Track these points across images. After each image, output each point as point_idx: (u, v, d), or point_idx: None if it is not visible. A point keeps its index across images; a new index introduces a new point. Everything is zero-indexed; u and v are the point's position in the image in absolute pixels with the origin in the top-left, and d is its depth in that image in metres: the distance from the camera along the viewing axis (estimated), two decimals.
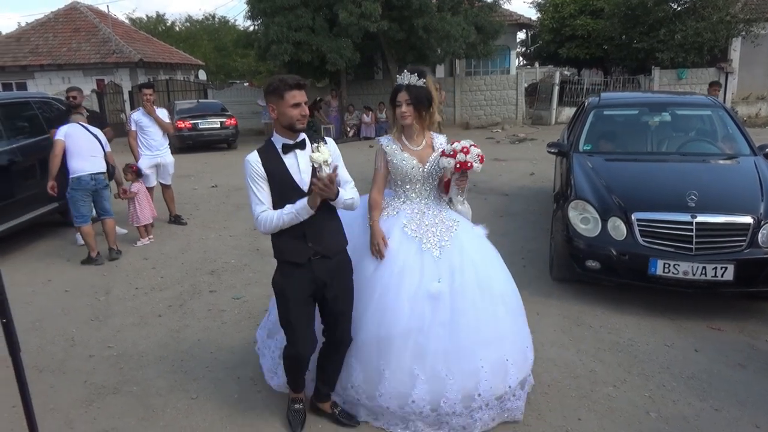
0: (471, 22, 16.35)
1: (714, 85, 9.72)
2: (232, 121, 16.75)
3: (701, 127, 6.18)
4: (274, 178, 2.74)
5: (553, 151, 6.13)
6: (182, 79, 24.57)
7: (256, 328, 3.92)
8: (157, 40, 28.75)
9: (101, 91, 21.01)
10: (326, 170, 2.66)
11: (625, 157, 5.65)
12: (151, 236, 6.94)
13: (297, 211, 2.69)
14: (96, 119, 6.95)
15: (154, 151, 7.35)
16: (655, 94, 9.85)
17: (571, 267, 4.75)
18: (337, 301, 2.90)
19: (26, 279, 5.78)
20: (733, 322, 4.28)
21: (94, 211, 6.34)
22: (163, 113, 7.47)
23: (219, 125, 16.58)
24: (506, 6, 19.12)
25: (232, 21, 44.47)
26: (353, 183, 2.93)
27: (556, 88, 19.62)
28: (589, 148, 5.80)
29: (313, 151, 2.67)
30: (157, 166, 7.44)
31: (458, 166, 3.02)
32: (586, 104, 6.76)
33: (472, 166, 3.01)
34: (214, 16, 42.03)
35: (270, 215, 2.74)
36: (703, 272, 4.14)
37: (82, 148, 6.03)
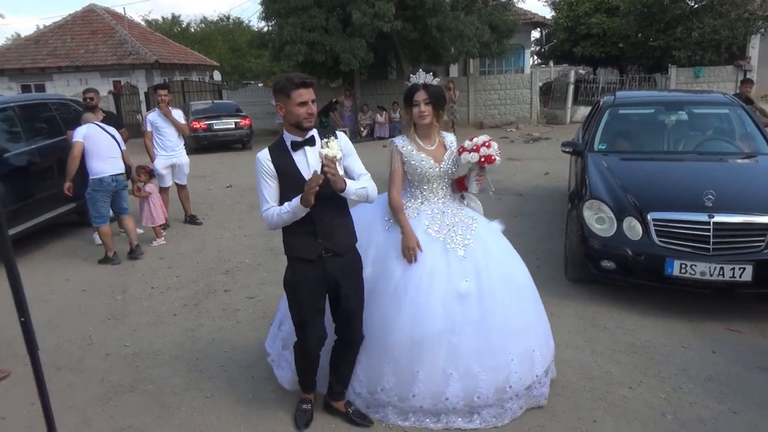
0: (485, 21, 16.30)
1: (746, 83, 9.59)
2: (247, 122, 16.84)
3: (719, 126, 6.10)
4: (283, 175, 2.76)
5: (567, 150, 6.08)
6: (197, 79, 24.78)
7: (266, 342, 3.81)
8: (172, 42, 29.02)
9: (118, 93, 21.24)
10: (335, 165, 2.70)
11: (640, 157, 5.60)
12: (162, 238, 7.00)
13: (292, 209, 2.70)
14: (112, 120, 7.02)
15: (170, 151, 7.41)
16: (671, 93, 9.73)
17: (586, 267, 4.72)
18: (350, 300, 2.91)
19: (44, 278, 5.86)
20: (751, 324, 4.22)
21: (111, 212, 6.41)
22: (178, 114, 7.53)
23: (234, 126, 16.68)
24: (520, 5, 19.09)
25: (247, 22, 44.80)
26: (368, 175, 2.93)
27: (571, 87, 19.46)
28: (604, 147, 5.75)
29: (322, 147, 2.69)
30: (173, 167, 7.50)
31: (483, 160, 3.08)
32: (601, 103, 6.70)
33: (495, 159, 3.08)
34: (228, 17, 42.42)
35: (272, 212, 2.77)
36: (721, 273, 4.09)
37: (102, 149, 6.09)
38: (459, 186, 3.29)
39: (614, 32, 21.76)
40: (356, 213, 3.25)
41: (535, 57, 30.91)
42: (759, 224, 4.16)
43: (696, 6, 18.77)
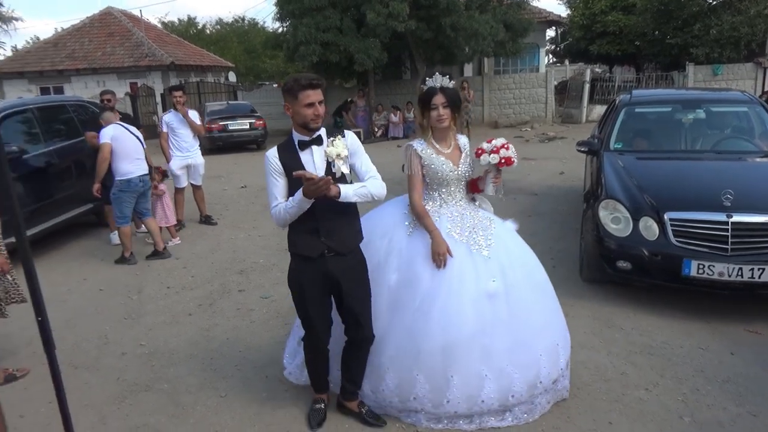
0: (499, 20, 16.21)
1: None
2: (261, 123, 16.92)
3: (737, 124, 6.01)
4: (290, 173, 2.77)
5: (583, 149, 6.02)
6: (213, 81, 24.95)
7: (283, 354, 3.71)
8: (188, 43, 29.26)
9: (134, 94, 21.45)
10: (340, 164, 2.72)
11: (657, 156, 5.53)
12: (177, 238, 7.06)
13: (297, 202, 2.71)
14: (128, 122, 7.09)
15: (185, 152, 7.47)
16: (688, 91, 9.60)
17: (601, 268, 4.67)
18: (354, 299, 2.91)
19: (62, 278, 5.93)
20: None
21: None
22: (194, 115, 7.58)
23: (248, 126, 16.77)
24: (535, 3, 18.93)
25: (261, 23, 45.05)
26: (377, 175, 2.91)
27: (587, 86, 19.29)
28: (620, 146, 5.69)
29: (327, 146, 2.71)
30: (188, 167, 7.56)
31: (503, 161, 3.11)
32: (617, 102, 6.64)
33: (514, 161, 3.13)
34: (243, 19, 42.82)
35: (280, 208, 2.80)
36: (740, 273, 4.03)
37: (129, 150, 6.14)
38: (473, 188, 3.29)
39: (631, 30, 21.53)
40: (376, 218, 3.27)
41: (550, 56, 30.70)
42: None
43: (714, 2, 18.53)
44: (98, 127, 6.66)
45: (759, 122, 5.73)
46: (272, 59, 35.98)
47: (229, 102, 19.68)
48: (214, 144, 16.10)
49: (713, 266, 4.08)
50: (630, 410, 3.19)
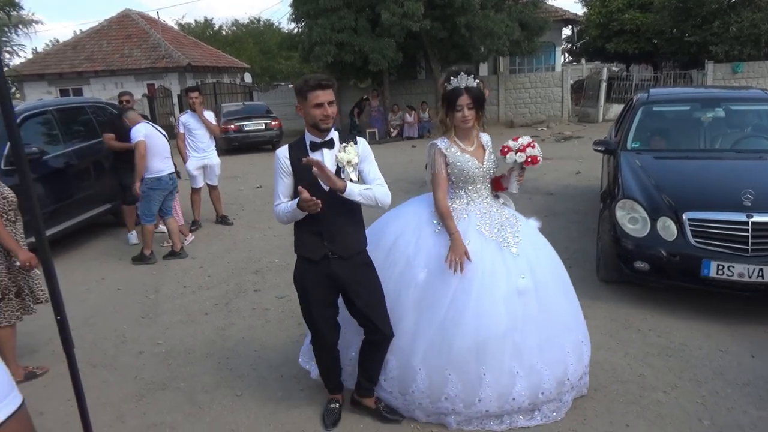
0: (515, 18, 16.13)
1: None
2: (277, 123, 17.01)
3: (758, 123, 5.91)
4: (298, 174, 2.79)
5: (599, 149, 5.97)
6: (229, 82, 25.14)
7: (299, 356, 3.67)
8: (204, 45, 29.51)
9: (152, 96, 21.68)
10: (350, 171, 2.74)
11: (675, 155, 5.46)
12: (191, 235, 7.12)
13: (292, 209, 2.76)
14: None
15: (201, 152, 7.53)
16: (707, 89, 9.47)
17: (618, 268, 4.63)
18: (363, 300, 2.90)
19: (81, 277, 6.01)
20: None
21: None
22: (209, 116, 7.64)
23: (264, 127, 16.87)
24: (551, 2, 18.80)
25: (277, 24, 45.20)
26: (383, 182, 2.90)
27: (604, 85, 19.11)
28: (637, 145, 5.62)
29: (339, 151, 2.71)
30: (204, 168, 7.61)
31: (529, 160, 3.13)
32: (634, 101, 6.56)
33: (539, 160, 3.14)
34: (259, 20, 42.89)
35: (281, 207, 2.84)
36: (760, 274, 3.96)
37: (160, 148, 6.22)
38: (497, 186, 3.29)
39: (648, 28, 21.29)
40: (403, 216, 3.25)
41: (567, 55, 30.47)
42: None
43: (734, 0, 18.25)
44: (116, 129, 6.74)
45: None
46: (287, 60, 36.16)
47: (245, 103, 19.82)
48: (230, 144, 16.22)
49: (733, 267, 4.02)
50: (647, 412, 3.16)
